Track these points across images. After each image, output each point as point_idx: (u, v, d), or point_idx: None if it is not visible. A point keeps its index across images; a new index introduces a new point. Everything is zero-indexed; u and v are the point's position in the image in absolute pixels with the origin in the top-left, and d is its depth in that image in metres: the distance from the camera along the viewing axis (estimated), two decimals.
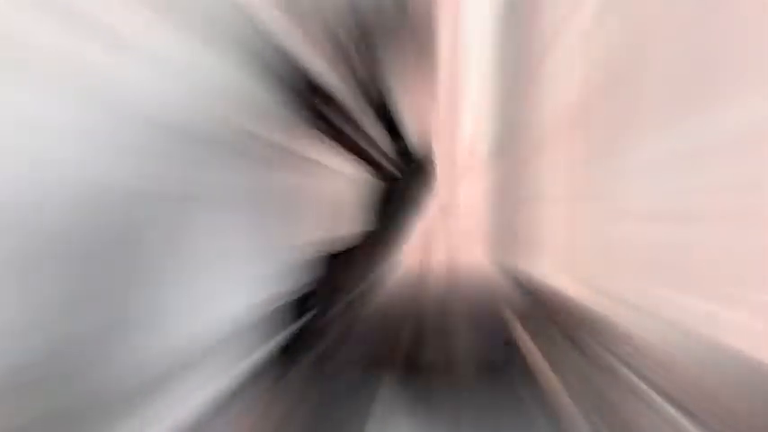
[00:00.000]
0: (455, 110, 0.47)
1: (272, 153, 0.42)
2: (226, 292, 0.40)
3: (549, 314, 0.41)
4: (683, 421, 0.32)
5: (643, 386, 0.35)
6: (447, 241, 0.48)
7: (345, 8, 0.41)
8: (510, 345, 0.41)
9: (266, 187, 0.42)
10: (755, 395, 0.31)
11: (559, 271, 0.42)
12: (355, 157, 0.46)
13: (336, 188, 0.47)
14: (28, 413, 0.27)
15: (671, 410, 0.33)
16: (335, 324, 0.44)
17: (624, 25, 0.38)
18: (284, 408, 0.40)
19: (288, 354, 0.42)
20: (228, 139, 0.39)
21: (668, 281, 0.36)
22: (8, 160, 0.27)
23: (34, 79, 0.28)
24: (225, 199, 0.39)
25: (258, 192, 0.42)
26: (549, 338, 0.40)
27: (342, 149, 0.46)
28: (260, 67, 0.39)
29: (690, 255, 0.35)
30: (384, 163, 0.47)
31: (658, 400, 0.34)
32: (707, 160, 0.34)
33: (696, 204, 0.35)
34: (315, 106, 0.43)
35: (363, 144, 0.46)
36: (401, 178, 0.47)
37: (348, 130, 0.45)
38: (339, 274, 0.45)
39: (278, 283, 0.43)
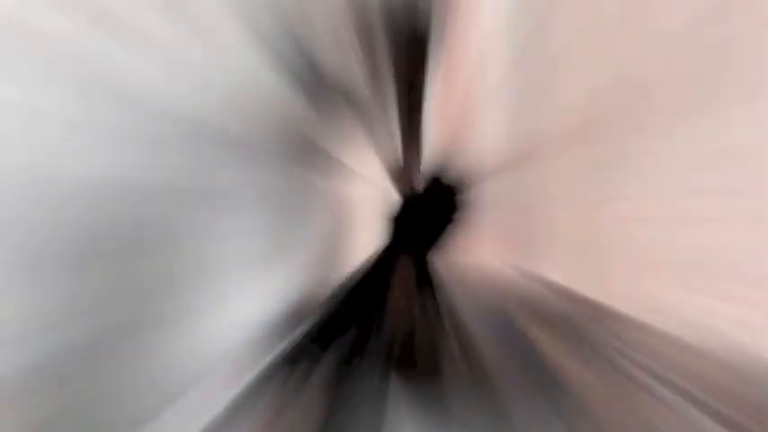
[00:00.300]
0: (470, 114, 0.47)
1: (291, 153, 0.43)
2: (239, 294, 0.40)
3: (563, 315, 0.41)
4: (703, 419, 0.32)
5: (657, 384, 0.35)
6: (460, 243, 0.48)
7: (374, 8, 0.42)
8: (525, 345, 0.41)
9: (283, 187, 0.42)
10: (756, 385, 0.31)
11: (571, 272, 0.43)
12: (376, 160, 0.47)
13: (356, 193, 0.47)
14: (48, 410, 0.27)
15: (688, 407, 0.33)
16: (348, 329, 0.44)
17: (633, 30, 0.39)
18: (296, 413, 0.40)
19: (301, 358, 0.42)
20: (246, 137, 0.39)
21: (677, 281, 0.36)
22: (19, 156, 0.27)
23: (48, 72, 0.29)
24: (240, 198, 0.39)
25: (275, 191, 0.42)
26: (563, 339, 0.40)
27: (363, 153, 0.46)
28: (283, 66, 0.39)
29: (698, 256, 0.36)
30: (406, 170, 0.48)
31: (673, 397, 0.34)
32: (716, 162, 0.35)
33: (705, 206, 0.35)
34: (336, 107, 0.44)
35: (384, 147, 0.46)
36: (427, 192, 0.48)
37: (369, 132, 0.46)
38: (357, 281, 0.46)
39: (292, 287, 0.43)
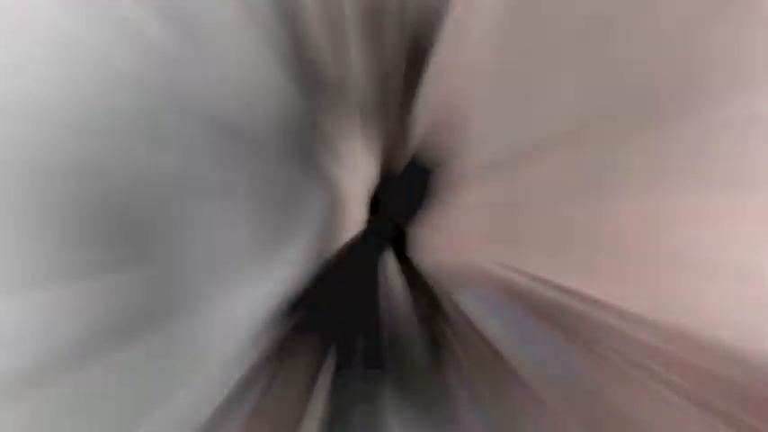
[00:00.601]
0: (460, 112, 0.48)
1: (286, 144, 0.42)
2: (235, 288, 0.39)
3: (556, 310, 0.42)
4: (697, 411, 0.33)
5: (651, 382, 0.36)
6: (450, 242, 0.49)
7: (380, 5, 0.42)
8: (525, 340, 0.41)
9: (271, 179, 0.42)
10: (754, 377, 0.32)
11: (561, 269, 0.43)
12: (370, 153, 0.47)
13: (351, 185, 0.47)
14: (49, 409, 0.26)
15: (683, 402, 0.34)
16: (338, 322, 0.44)
17: (627, 31, 0.40)
18: (282, 411, 0.39)
19: (289, 354, 0.42)
20: (241, 127, 0.39)
21: (666, 280, 0.37)
22: (14, 153, 0.27)
23: (47, 62, 0.28)
24: (228, 190, 0.39)
25: (263, 183, 0.41)
26: (559, 333, 0.41)
27: (358, 145, 0.46)
28: (281, 56, 0.39)
29: (687, 255, 0.37)
30: (393, 160, 0.48)
31: (668, 395, 0.35)
32: (711, 160, 0.36)
33: (700, 204, 0.36)
34: (332, 100, 0.44)
35: (377, 140, 0.46)
36: (403, 180, 0.48)
37: (364, 125, 0.46)
38: (340, 271, 0.45)
39: (281, 281, 0.42)
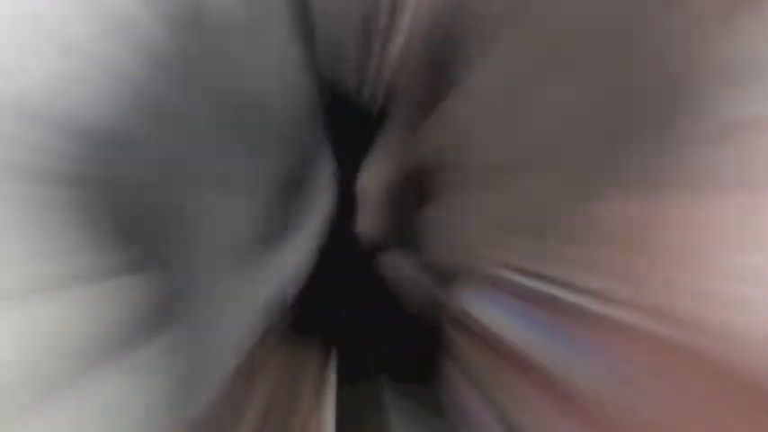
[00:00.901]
0: (466, 115, 0.48)
1: (290, 139, 0.42)
2: (232, 288, 0.39)
3: (556, 308, 0.42)
4: None
5: (652, 376, 0.36)
6: (452, 241, 0.49)
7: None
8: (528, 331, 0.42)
9: (278, 174, 0.42)
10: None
11: (562, 268, 0.44)
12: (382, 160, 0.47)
13: (350, 182, 0.47)
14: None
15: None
16: (338, 321, 0.44)
17: (624, 34, 0.40)
18: (286, 406, 0.40)
19: (292, 354, 0.42)
20: (246, 123, 0.39)
21: (665, 280, 0.38)
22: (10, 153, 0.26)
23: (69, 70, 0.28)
24: (237, 185, 0.39)
25: (269, 179, 0.41)
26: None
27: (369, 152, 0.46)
28: (304, 62, 0.39)
29: (686, 255, 0.37)
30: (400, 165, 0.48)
31: (669, 389, 0.35)
32: (701, 159, 0.36)
33: (697, 204, 0.36)
34: (344, 98, 0.44)
35: (390, 143, 0.46)
36: (408, 182, 0.49)
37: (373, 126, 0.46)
38: (341, 269, 0.46)
39: (283, 279, 0.43)
